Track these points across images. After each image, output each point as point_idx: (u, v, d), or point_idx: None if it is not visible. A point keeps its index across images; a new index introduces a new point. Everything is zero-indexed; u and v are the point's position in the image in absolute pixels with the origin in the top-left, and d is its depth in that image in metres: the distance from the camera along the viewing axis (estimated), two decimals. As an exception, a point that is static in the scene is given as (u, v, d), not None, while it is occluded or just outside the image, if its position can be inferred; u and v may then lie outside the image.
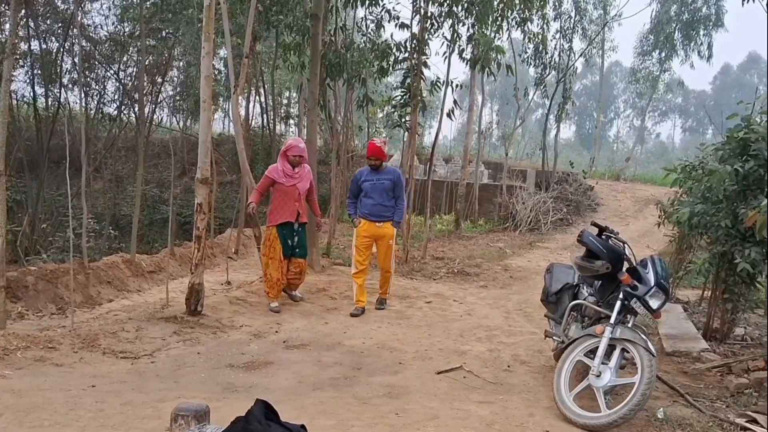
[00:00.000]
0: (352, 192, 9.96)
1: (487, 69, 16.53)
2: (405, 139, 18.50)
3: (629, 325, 5.89)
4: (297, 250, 9.88)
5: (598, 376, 5.64)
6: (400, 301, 11.18)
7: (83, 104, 17.86)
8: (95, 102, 21.00)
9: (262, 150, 22.94)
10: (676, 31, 35.00)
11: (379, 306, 10.30)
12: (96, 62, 20.24)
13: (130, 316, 8.88)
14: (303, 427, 3.01)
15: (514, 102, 27.78)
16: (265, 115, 21.98)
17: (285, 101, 29.00)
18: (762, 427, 5.26)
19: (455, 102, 17.64)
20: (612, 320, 5.79)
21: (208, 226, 9.80)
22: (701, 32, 34.79)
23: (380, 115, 29.22)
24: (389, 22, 16.72)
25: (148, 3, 17.59)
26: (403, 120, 16.20)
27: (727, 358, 7.78)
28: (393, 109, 18.01)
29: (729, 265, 8.19)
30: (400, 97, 16.04)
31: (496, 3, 15.89)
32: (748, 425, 5.35)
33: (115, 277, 10.79)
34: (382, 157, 9.60)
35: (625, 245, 6.31)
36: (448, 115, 17.29)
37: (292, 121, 28.14)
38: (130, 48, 20.32)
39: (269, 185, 9.65)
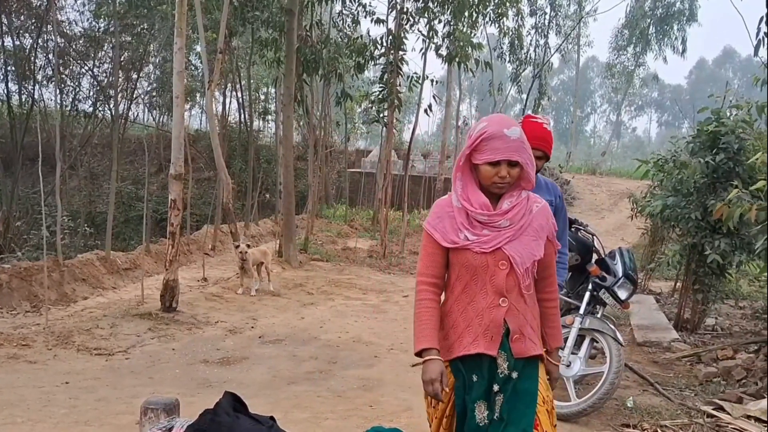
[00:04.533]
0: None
1: (463, 65, 16.66)
2: (383, 135, 18.55)
3: (598, 315, 5.97)
4: None
5: (568, 365, 5.71)
6: (377, 295, 11.24)
7: (58, 101, 17.71)
8: (70, 99, 20.81)
9: (240, 146, 22.88)
10: (651, 26, 35.33)
11: None
12: (70, 59, 20.05)
13: (104, 313, 8.85)
14: (272, 418, 3.05)
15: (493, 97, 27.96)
16: (242, 111, 21.90)
17: (262, 97, 28.91)
18: (727, 414, 5.37)
19: (434, 97, 17.73)
20: (581, 311, 5.86)
21: (184, 223, 9.79)
22: (675, 27, 35.16)
23: (358, 110, 29.27)
24: (365, 17, 16.76)
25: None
26: (381, 116, 16.25)
27: (697, 347, 7.91)
28: (371, 105, 18.08)
29: (699, 257, 8.34)
30: (378, 92, 16.09)
31: (471, -2, 15.96)
32: (714, 412, 5.46)
33: (90, 275, 10.75)
34: (548, 151, 4.33)
35: (594, 237, 6.39)
36: (426, 111, 17.37)
37: (270, 117, 28.05)
38: (105, 44, 20.15)
39: (441, 261, 2.90)
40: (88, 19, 20.55)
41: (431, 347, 2.78)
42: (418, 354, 2.81)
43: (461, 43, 16.58)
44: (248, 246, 10.76)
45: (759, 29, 6.92)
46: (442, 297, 2.94)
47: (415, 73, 17.67)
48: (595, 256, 6.22)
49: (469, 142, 2.80)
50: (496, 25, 20.67)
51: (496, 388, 2.80)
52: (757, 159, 6.07)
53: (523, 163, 2.74)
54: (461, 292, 2.84)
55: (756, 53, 7.21)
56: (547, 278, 2.97)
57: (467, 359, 2.81)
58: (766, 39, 6.96)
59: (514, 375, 2.80)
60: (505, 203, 2.79)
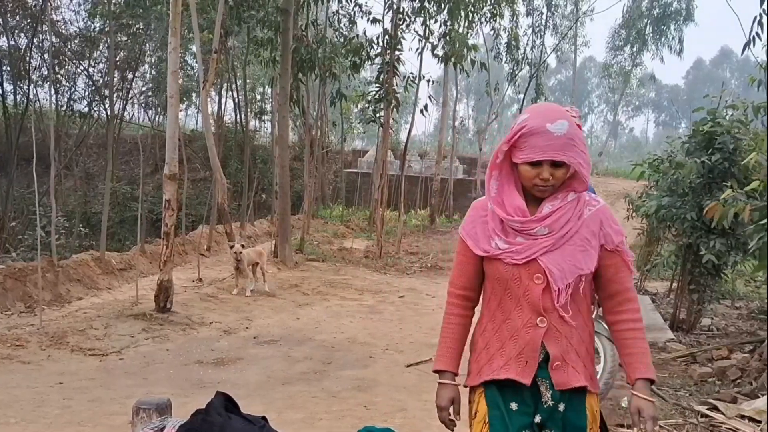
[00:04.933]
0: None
1: (459, 65, 16.68)
2: (379, 135, 18.55)
3: (593, 315, 5.95)
4: None
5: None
6: (372, 296, 11.24)
7: (54, 101, 17.65)
8: (65, 98, 20.79)
9: (236, 146, 22.85)
10: (648, 26, 35.37)
11: None
12: (66, 58, 20.03)
13: (99, 313, 8.83)
14: (264, 418, 3.04)
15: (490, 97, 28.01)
16: (238, 111, 21.87)
17: (258, 97, 28.89)
18: (722, 414, 5.37)
19: (430, 97, 17.73)
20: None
21: (179, 223, 9.76)
22: (672, 27, 35.19)
23: (355, 110, 29.26)
24: (361, 17, 16.77)
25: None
26: (377, 116, 16.25)
27: (693, 348, 7.91)
28: (367, 105, 18.09)
29: (695, 257, 8.35)
30: (374, 92, 16.09)
31: (467, -2, 15.98)
32: (708, 412, 5.46)
33: (85, 275, 10.71)
34: None
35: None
36: (422, 111, 17.38)
37: (266, 117, 28.01)
38: (101, 44, 20.15)
39: (473, 270, 2.56)
40: (83, 19, 20.57)
41: (446, 370, 2.53)
42: (436, 372, 2.57)
43: (457, 44, 16.60)
44: (243, 246, 10.74)
45: (752, 29, 6.91)
46: (478, 311, 2.59)
47: (412, 73, 17.67)
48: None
49: (507, 137, 2.37)
50: (491, 26, 20.69)
51: (538, 419, 2.36)
52: (751, 159, 6.06)
53: (573, 163, 2.30)
54: (496, 308, 2.45)
55: (743, 52, 7.21)
56: (615, 296, 2.45)
57: (503, 385, 2.39)
58: (756, 39, 6.95)
59: (561, 407, 2.36)
60: (546, 207, 2.36)
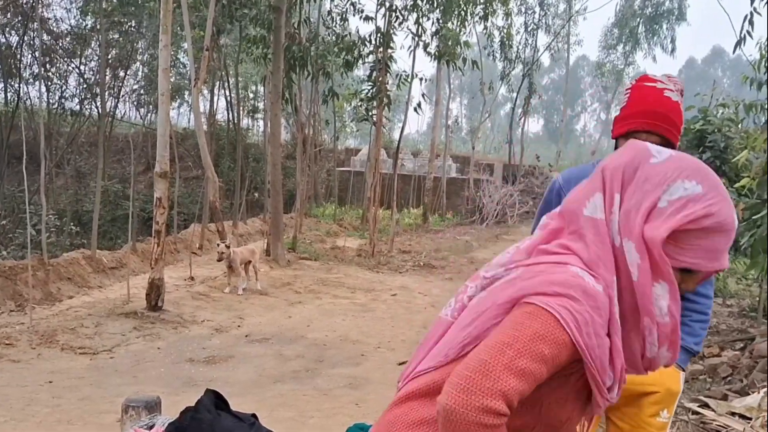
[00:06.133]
0: None
1: (452, 63, 16.69)
2: (372, 133, 18.55)
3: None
4: None
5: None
6: (365, 294, 11.23)
7: (45, 99, 17.58)
8: (57, 96, 20.70)
9: (228, 144, 22.78)
10: (640, 25, 35.47)
11: None
12: (57, 56, 19.94)
13: (89, 312, 8.80)
14: (254, 416, 3.02)
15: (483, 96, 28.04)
16: (230, 110, 21.80)
17: (251, 95, 28.81)
18: (712, 411, 5.38)
19: (423, 95, 17.73)
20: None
21: (171, 222, 9.73)
22: (664, 26, 35.33)
23: (348, 108, 29.21)
24: (354, 15, 16.75)
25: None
26: (370, 114, 16.22)
27: (684, 345, 7.92)
28: (360, 103, 18.09)
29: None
30: (367, 91, 16.07)
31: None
32: (699, 410, 5.47)
33: (76, 274, 10.67)
34: (671, 137, 2.44)
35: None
36: (415, 109, 17.38)
37: (258, 116, 27.94)
38: (92, 42, 20.07)
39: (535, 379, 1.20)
40: (75, 17, 20.46)
41: None
42: None
43: (450, 41, 16.61)
44: (228, 246, 10.63)
45: (742, 27, 6.93)
46: None
47: (404, 71, 17.66)
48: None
49: (673, 221, 1.30)
50: (484, 25, 20.68)
51: None
52: (741, 157, 6.08)
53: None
54: None
55: (734, 51, 7.23)
56: None
57: None
58: (748, 37, 6.97)
59: None
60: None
